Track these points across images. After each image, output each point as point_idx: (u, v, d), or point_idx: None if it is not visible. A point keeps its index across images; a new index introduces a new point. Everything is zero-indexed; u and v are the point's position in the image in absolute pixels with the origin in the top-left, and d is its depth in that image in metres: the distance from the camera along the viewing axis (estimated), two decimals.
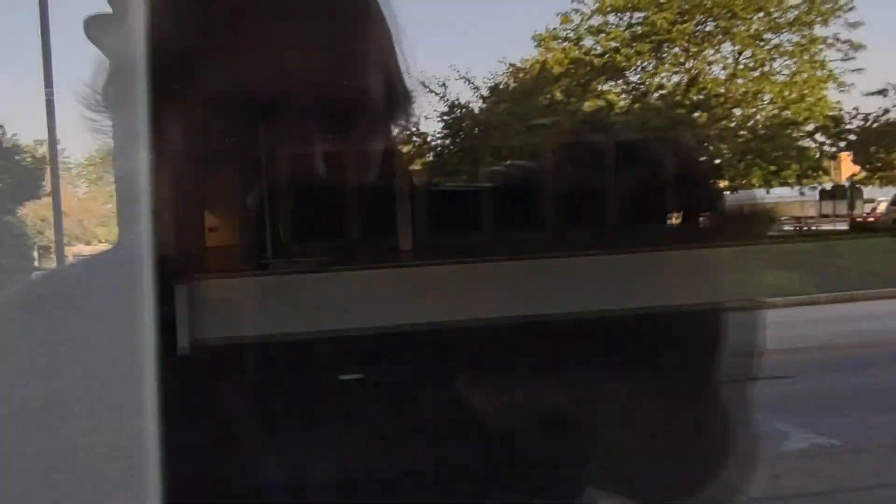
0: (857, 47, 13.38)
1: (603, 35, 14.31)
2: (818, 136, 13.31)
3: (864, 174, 13.42)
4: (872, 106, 14.29)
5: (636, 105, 13.05)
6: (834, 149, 13.54)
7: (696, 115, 12.32)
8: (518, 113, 11.19)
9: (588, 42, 14.41)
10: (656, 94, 13.79)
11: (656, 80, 14.06)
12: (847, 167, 13.84)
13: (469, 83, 12.09)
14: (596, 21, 14.43)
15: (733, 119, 13.40)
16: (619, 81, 14.46)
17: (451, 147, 10.94)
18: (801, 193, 14.10)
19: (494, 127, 10.88)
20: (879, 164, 12.76)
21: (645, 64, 14.23)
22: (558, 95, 13.12)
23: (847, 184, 14.62)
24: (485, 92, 12.33)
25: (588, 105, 12.82)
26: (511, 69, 13.01)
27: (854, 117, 12.74)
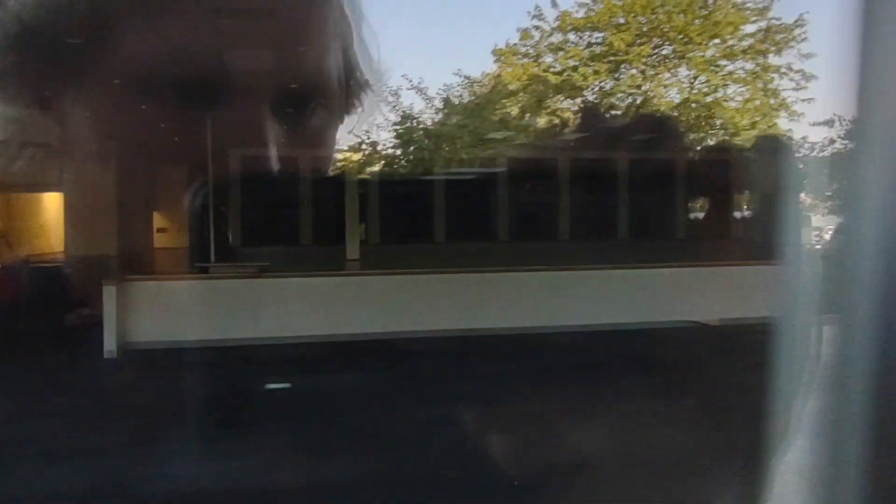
0: (809, 77, 13.68)
1: (562, 53, 14.40)
2: None
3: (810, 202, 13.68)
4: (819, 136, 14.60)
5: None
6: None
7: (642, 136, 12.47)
8: (469, 126, 11.20)
9: (547, 59, 14.51)
10: (609, 113, 13.93)
11: (612, 100, 14.18)
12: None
13: (421, 94, 12.03)
14: (556, 39, 14.54)
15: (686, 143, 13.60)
16: (578, 100, 14.56)
17: (402, 157, 10.88)
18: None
19: (445, 139, 10.85)
20: (829, 194, 12.99)
21: (602, 83, 14.35)
22: (514, 111, 13.17)
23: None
24: (437, 104, 12.32)
25: (541, 122, 12.89)
26: (466, 82, 13.00)
27: (801, 146, 13.00)
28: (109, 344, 6.15)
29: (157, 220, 15.78)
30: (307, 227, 14.91)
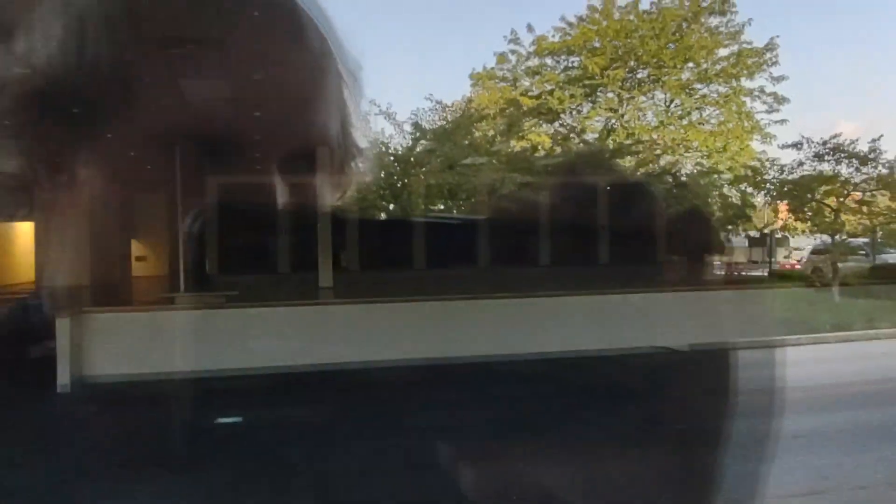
0: (782, 100, 13.82)
1: (538, 77, 14.51)
2: (741, 185, 13.64)
3: (781, 223, 13.77)
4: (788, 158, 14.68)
5: (557, 148, 13.20)
6: (763, 198, 13.85)
7: (619, 160, 12.54)
8: (437, 151, 11.20)
9: (524, 83, 14.61)
10: (580, 138, 14.00)
11: (588, 123, 14.27)
12: (784, 216, 14.08)
13: (390, 119, 12.03)
14: (533, 63, 14.66)
15: (658, 165, 13.68)
16: (554, 124, 14.63)
17: (372, 183, 10.87)
18: (728, 240, 14.46)
19: (414, 165, 10.87)
20: (811, 213, 12.97)
21: (578, 107, 14.44)
22: (490, 133, 13.24)
23: (771, 231, 15.06)
24: (407, 128, 12.35)
25: (513, 146, 12.93)
26: (438, 107, 12.93)
27: (771, 168, 13.09)
28: (63, 378, 6.09)
29: (137, 248, 15.52)
30: (284, 255, 14.87)
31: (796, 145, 12.08)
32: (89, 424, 5.05)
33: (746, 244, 16.64)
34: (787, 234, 15.09)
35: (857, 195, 11.95)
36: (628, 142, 13.37)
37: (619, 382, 6.48)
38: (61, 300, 8.44)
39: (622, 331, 8.16)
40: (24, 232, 11.16)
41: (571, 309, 8.29)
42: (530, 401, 5.88)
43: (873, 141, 11.62)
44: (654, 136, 13.96)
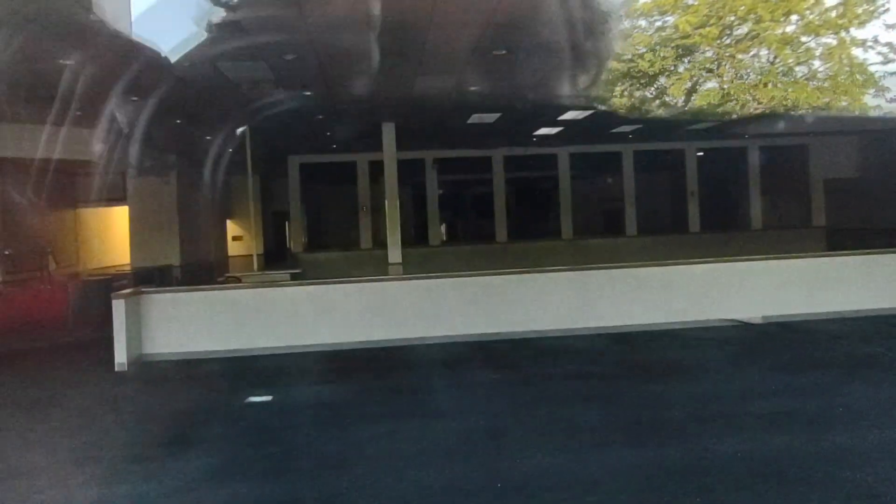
0: None
1: (629, 39, 13.98)
2: None
3: None
4: None
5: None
6: None
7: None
8: None
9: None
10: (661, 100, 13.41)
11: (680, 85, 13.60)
12: None
13: None
14: (624, 26, 14.14)
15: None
16: (650, 88, 14.09)
17: None
18: None
19: None
20: None
21: (672, 67, 13.80)
22: None
23: None
24: None
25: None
26: None
27: None
28: (120, 357, 6.46)
29: (233, 229, 16.15)
30: (366, 233, 15.12)
31: None
32: (132, 403, 5.36)
33: None
34: None
35: None
36: (721, 102, 12.65)
37: None
38: (152, 280, 9.07)
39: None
40: (117, 216, 11.85)
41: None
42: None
43: None
44: (753, 95, 13.17)
